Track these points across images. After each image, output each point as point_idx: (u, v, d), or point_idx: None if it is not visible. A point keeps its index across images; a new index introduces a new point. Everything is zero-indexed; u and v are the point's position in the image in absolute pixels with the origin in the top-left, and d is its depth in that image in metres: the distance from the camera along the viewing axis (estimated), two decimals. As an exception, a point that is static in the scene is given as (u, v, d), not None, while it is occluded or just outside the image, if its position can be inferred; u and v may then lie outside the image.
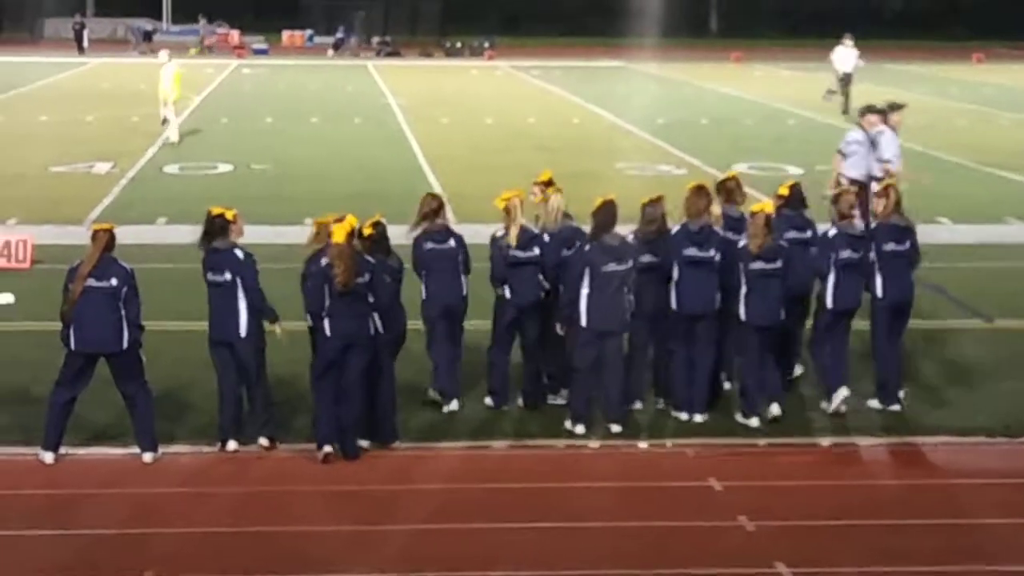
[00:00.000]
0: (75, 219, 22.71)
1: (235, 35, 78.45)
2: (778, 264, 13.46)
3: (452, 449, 12.89)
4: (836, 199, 14.23)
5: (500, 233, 13.81)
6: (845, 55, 42.71)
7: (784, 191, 14.53)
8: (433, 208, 13.92)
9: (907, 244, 14.08)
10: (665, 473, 12.39)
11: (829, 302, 13.89)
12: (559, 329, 13.35)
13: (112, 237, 12.43)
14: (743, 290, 13.48)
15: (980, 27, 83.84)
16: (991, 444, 13.19)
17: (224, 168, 29.88)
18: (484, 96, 48.70)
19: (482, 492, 11.91)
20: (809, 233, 14.36)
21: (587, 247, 13.18)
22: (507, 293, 13.77)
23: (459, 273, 13.78)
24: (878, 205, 14.29)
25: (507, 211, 13.73)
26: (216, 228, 12.75)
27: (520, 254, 13.67)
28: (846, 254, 13.78)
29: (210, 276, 12.71)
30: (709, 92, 50.71)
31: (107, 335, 12.25)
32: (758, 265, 13.42)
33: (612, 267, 13.03)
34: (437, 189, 25.87)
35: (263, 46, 74.67)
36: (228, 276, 12.60)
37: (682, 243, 13.54)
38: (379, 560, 10.47)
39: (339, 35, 75.68)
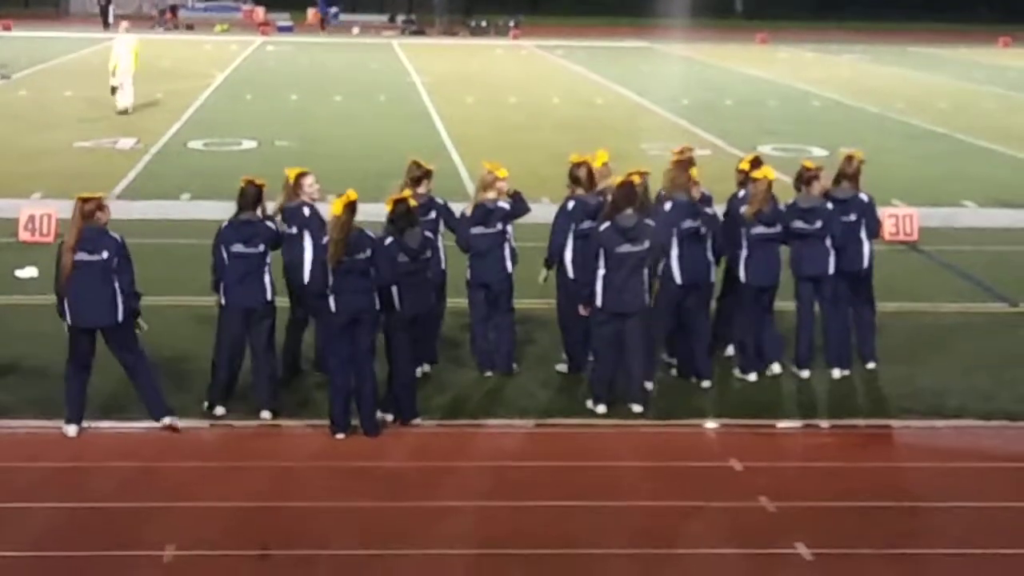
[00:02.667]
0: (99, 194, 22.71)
1: (260, 12, 78.45)
2: (778, 228, 13.93)
3: (470, 427, 12.90)
4: (800, 173, 14.36)
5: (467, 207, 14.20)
6: None
7: (745, 165, 14.67)
8: (416, 176, 14.09)
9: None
10: (685, 453, 12.38)
11: (792, 270, 14.32)
12: (582, 310, 13.36)
13: (98, 207, 12.47)
14: (743, 253, 13.95)
15: (1007, 11, 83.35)
16: (1014, 427, 13.15)
17: (248, 144, 29.91)
18: (509, 75, 48.60)
19: (501, 470, 11.90)
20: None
21: (601, 227, 13.16)
22: (468, 273, 14.11)
23: (439, 245, 13.97)
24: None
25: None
26: (252, 196, 12.91)
27: (480, 229, 13.93)
28: (798, 224, 14.05)
29: (239, 248, 12.77)
30: (734, 73, 50.54)
31: (101, 309, 12.31)
32: (759, 230, 13.86)
33: (626, 248, 12.98)
34: (460, 167, 25.99)
35: (288, 23, 74.63)
36: (262, 247, 12.79)
37: (681, 216, 13.72)
38: (396, 537, 10.49)
39: (331, 8, 75.10)
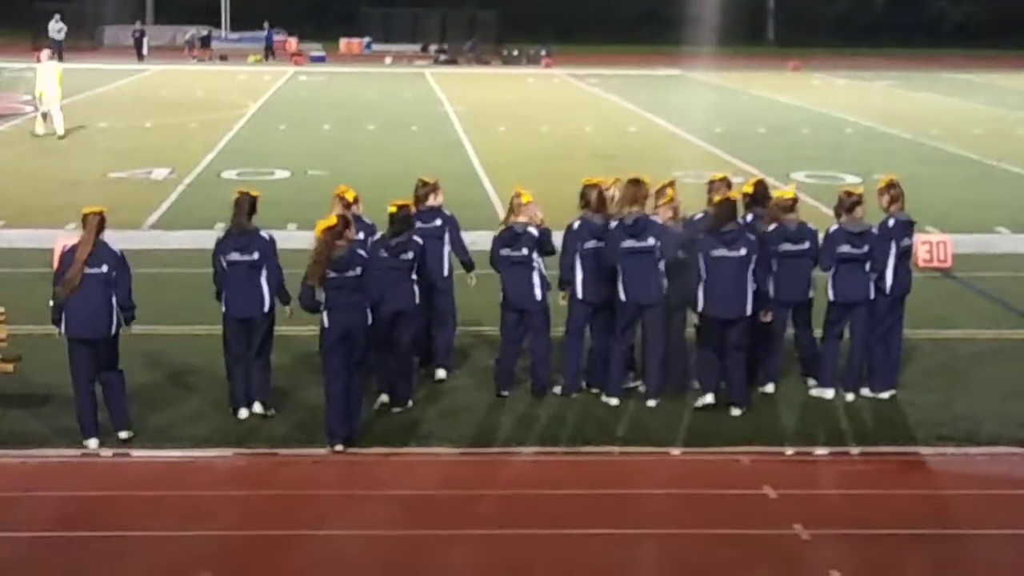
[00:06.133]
0: (133, 224, 22.85)
1: (293, 42, 78.82)
2: (806, 245, 14.15)
3: (503, 455, 12.87)
4: (841, 199, 14.36)
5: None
6: None
7: (749, 189, 14.88)
8: (423, 192, 14.70)
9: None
10: (719, 481, 12.32)
11: (830, 295, 14.30)
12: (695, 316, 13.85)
13: (103, 220, 12.83)
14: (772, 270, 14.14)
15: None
16: (1051, 455, 13.07)
17: (281, 174, 30.00)
18: (541, 104, 48.68)
19: (531, 498, 11.85)
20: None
21: (702, 236, 13.64)
22: (501, 295, 14.30)
23: (442, 251, 14.55)
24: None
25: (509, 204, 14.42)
26: (247, 208, 13.53)
27: (507, 251, 14.15)
28: (845, 249, 14.07)
29: (235, 256, 13.28)
30: (766, 101, 50.52)
31: (97, 322, 12.64)
32: (785, 246, 14.09)
33: (721, 252, 13.46)
34: (493, 196, 26.04)
35: (320, 53, 75.02)
36: (256, 256, 13.24)
37: (619, 236, 13.91)
38: (425, 565, 10.47)
39: (268, 33, 75.00)
